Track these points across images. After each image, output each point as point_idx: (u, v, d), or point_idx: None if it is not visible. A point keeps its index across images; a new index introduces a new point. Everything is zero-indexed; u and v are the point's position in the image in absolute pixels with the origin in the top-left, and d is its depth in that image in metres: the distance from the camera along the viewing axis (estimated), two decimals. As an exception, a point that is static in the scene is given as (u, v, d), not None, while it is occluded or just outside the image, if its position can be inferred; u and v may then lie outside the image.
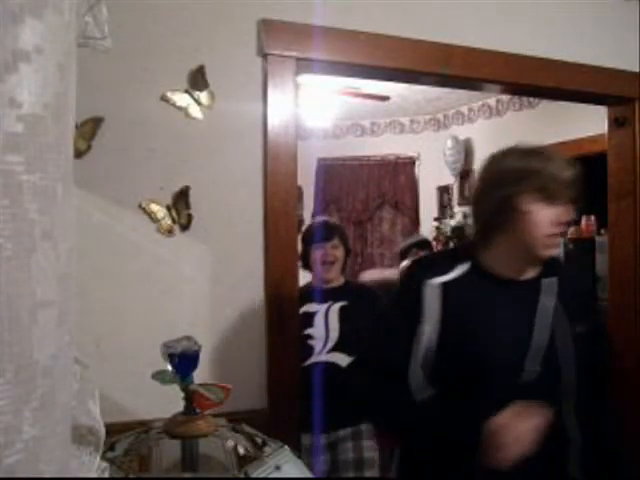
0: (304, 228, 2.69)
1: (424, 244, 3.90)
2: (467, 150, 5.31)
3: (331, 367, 2.28)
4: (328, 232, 2.47)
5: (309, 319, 2.33)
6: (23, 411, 0.46)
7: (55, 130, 0.50)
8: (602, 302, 3.20)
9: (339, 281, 2.51)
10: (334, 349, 2.31)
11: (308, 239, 2.51)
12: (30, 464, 0.47)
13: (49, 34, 0.47)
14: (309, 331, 2.32)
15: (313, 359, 2.30)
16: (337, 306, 2.37)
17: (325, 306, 2.37)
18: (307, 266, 2.50)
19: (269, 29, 1.84)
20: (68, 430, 0.57)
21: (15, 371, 0.45)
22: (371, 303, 2.41)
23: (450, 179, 5.45)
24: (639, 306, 2.54)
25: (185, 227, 1.77)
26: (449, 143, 5.30)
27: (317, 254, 2.43)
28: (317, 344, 2.31)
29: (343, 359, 2.29)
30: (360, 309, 2.39)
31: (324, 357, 2.31)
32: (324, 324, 2.33)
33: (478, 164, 5.48)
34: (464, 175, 5.32)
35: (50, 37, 0.48)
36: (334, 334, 2.32)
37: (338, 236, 2.48)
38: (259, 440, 1.29)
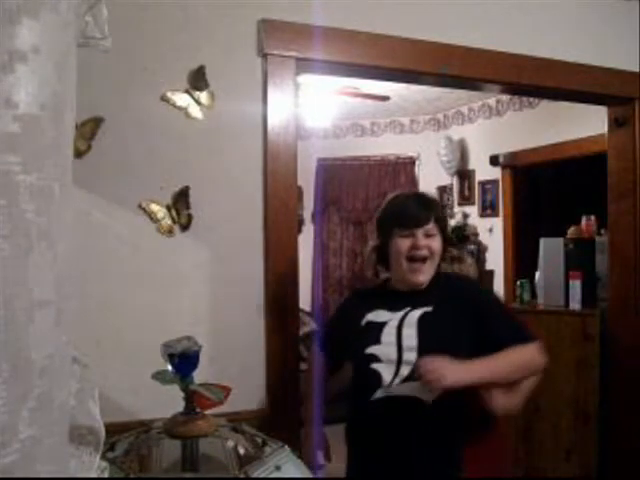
0: (384, 203, 1.81)
1: None
2: (462, 150, 5.31)
3: (408, 404, 1.60)
4: (421, 211, 1.68)
5: (374, 333, 1.67)
6: (20, 411, 0.46)
7: (53, 130, 0.50)
8: (602, 302, 3.21)
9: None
10: (412, 376, 1.58)
11: (387, 220, 1.74)
12: (27, 464, 0.47)
13: (46, 34, 0.47)
14: (373, 350, 1.64)
15: (379, 393, 1.61)
16: (416, 314, 1.67)
17: (399, 315, 1.67)
18: (383, 260, 1.77)
19: (269, 29, 1.84)
20: (66, 430, 0.56)
21: (12, 371, 0.45)
22: (467, 302, 1.70)
23: (450, 179, 5.45)
24: (639, 306, 2.54)
25: (185, 227, 1.77)
26: (442, 143, 5.30)
27: (401, 245, 1.66)
28: (385, 370, 1.61)
29: (426, 391, 1.57)
30: (450, 314, 1.67)
31: (397, 389, 1.60)
32: (396, 340, 1.64)
33: (475, 164, 5.48)
34: (463, 175, 5.32)
35: (47, 37, 0.48)
36: (411, 355, 1.60)
37: (434, 218, 1.68)
38: (259, 440, 1.29)
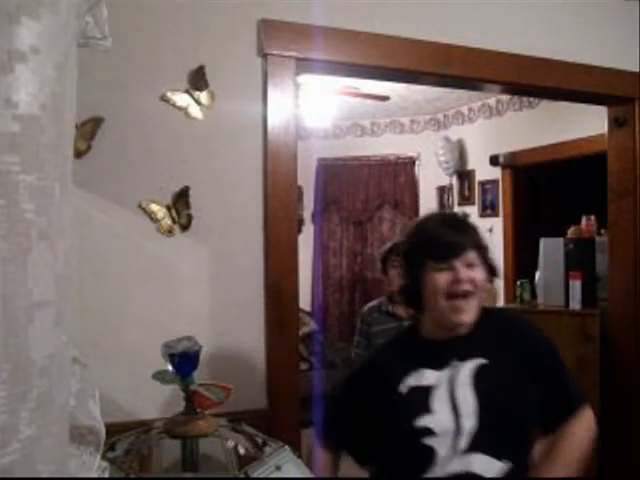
0: (410, 229, 1.57)
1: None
2: (461, 150, 5.31)
3: None
4: (459, 237, 1.40)
5: (421, 400, 1.35)
6: (20, 411, 0.46)
7: (53, 130, 0.50)
8: (602, 302, 3.21)
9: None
10: (473, 448, 1.29)
11: (417, 252, 1.44)
12: (27, 464, 0.47)
13: (46, 34, 0.47)
14: (425, 422, 1.32)
15: (437, 471, 1.30)
16: (468, 368, 1.36)
17: (446, 374, 1.36)
18: (413, 300, 1.47)
19: (269, 29, 1.84)
20: (66, 430, 0.56)
21: (11, 371, 0.45)
22: (529, 352, 1.42)
23: (452, 179, 5.45)
24: (639, 306, 2.54)
25: (185, 227, 1.77)
26: (440, 143, 5.31)
27: (438, 280, 1.37)
28: (441, 444, 1.31)
29: (489, 465, 1.29)
30: (509, 367, 1.39)
31: (456, 465, 1.29)
32: (450, 406, 1.33)
33: (475, 164, 5.46)
34: (463, 175, 5.32)
35: (47, 37, 0.48)
36: (469, 422, 1.31)
37: (474, 245, 1.41)
38: (259, 440, 1.29)
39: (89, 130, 1.65)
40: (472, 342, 1.40)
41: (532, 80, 2.26)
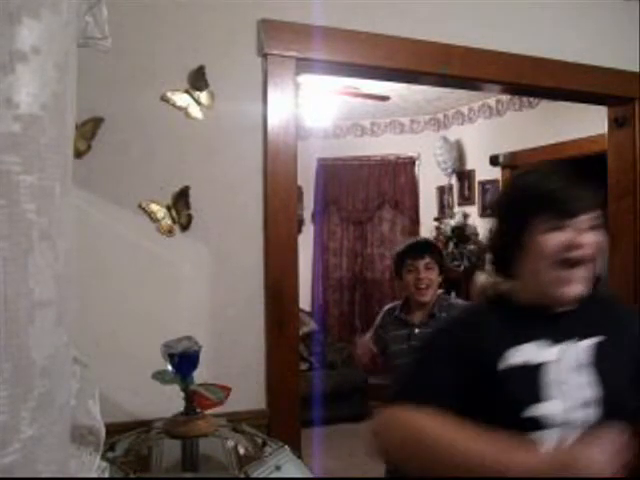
0: (513, 180, 1.43)
1: (420, 248, 2.55)
2: (460, 150, 5.32)
3: None
4: (584, 192, 1.16)
5: (527, 383, 1.10)
6: (20, 411, 0.46)
7: (53, 130, 0.50)
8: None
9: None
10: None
11: (522, 205, 1.17)
12: (28, 464, 0.47)
13: (47, 34, 0.47)
14: (533, 412, 1.07)
15: None
16: (583, 347, 1.14)
17: (556, 350, 1.12)
18: (503, 264, 1.24)
19: (269, 29, 1.84)
20: (66, 430, 0.56)
21: (12, 371, 0.45)
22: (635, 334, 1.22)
23: (451, 179, 5.45)
24: (639, 306, 2.54)
25: (185, 227, 1.77)
26: (438, 143, 5.32)
27: (550, 242, 1.13)
28: (550, 439, 1.06)
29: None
30: (624, 350, 1.18)
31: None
32: (564, 392, 1.10)
33: (475, 164, 5.45)
34: (463, 175, 5.32)
35: (48, 37, 0.48)
36: (586, 412, 1.09)
37: (598, 204, 1.21)
38: (259, 440, 1.29)
39: (89, 130, 1.65)
40: (579, 317, 1.16)
41: (532, 80, 2.26)
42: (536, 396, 1.08)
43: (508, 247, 1.18)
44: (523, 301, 1.18)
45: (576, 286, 1.12)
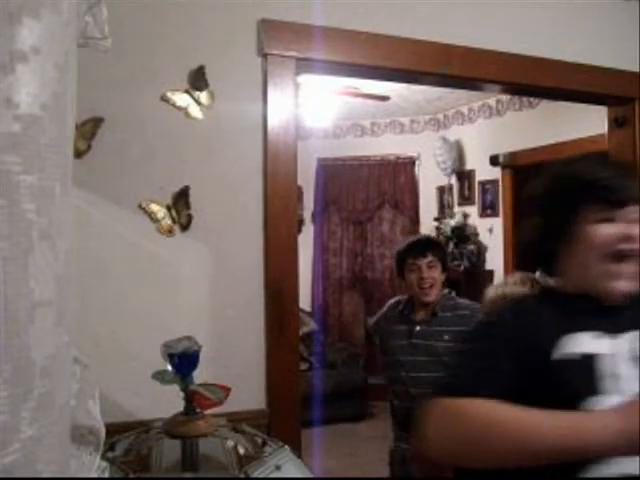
0: (557, 167, 1.24)
1: (422, 246, 2.50)
2: (459, 150, 5.32)
3: None
4: (635, 183, 1.11)
5: (582, 375, 1.04)
6: (20, 411, 0.46)
7: (54, 130, 0.50)
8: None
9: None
10: None
11: (569, 193, 1.10)
12: (28, 464, 0.47)
13: (47, 34, 0.47)
14: (595, 404, 1.01)
15: (597, 470, 0.96)
16: (637, 338, 1.07)
17: (609, 342, 1.06)
18: (542, 257, 1.20)
19: (269, 29, 1.84)
20: (67, 430, 0.56)
21: (12, 371, 0.45)
22: None
23: (451, 179, 5.45)
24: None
25: (185, 227, 1.77)
26: (437, 143, 5.32)
27: (600, 233, 1.08)
28: None
29: None
30: None
31: (625, 465, 0.95)
32: (621, 387, 1.03)
33: (475, 164, 5.46)
34: (463, 175, 5.33)
35: (48, 37, 0.48)
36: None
37: None
38: (259, 440, 1.29)
39: (89, 130, 1.65)
40: (633, 309, 1.10)
41: (532, 80, 2.26)
42: (592, 389, 1.01)
43: (551, 240, 1.12)
44: (571, 293, 1.13)
45: (626, 282, 1.06)
